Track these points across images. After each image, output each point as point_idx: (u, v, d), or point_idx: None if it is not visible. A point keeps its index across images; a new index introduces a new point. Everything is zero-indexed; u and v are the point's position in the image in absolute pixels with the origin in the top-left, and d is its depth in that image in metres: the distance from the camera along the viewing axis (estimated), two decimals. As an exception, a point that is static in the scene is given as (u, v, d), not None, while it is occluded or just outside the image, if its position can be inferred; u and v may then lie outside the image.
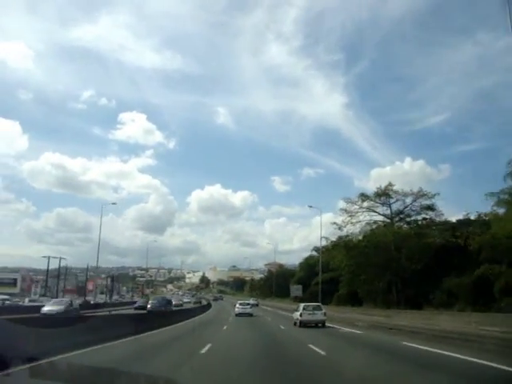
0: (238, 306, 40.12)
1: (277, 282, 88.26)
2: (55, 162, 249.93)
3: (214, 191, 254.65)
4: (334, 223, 47.25)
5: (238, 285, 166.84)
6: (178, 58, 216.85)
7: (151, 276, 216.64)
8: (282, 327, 25.00)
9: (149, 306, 39.40)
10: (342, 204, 47.85)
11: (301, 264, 74.88)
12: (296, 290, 63.41)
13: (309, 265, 70.95)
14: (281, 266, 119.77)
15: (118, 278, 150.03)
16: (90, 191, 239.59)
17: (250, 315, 37.71)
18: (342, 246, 46.59)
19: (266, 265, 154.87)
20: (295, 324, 25.76)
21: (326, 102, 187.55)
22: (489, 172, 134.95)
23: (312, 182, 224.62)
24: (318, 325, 25.01)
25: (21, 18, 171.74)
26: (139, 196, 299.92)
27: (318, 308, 26.08)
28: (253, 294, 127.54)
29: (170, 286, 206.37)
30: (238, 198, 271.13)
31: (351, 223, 45.95)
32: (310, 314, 25.16)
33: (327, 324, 25.88)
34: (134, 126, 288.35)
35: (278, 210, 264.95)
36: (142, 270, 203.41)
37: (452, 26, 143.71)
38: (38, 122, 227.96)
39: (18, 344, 9.04)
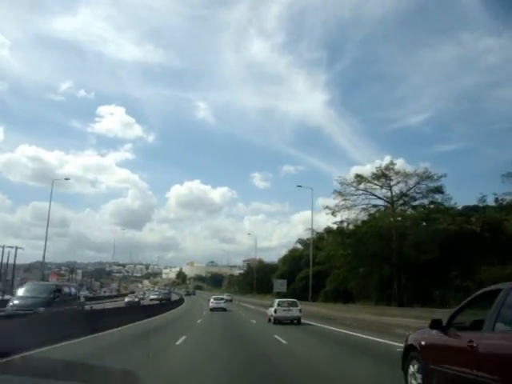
0: (212, 300, 40.53)
1: (258, 277, 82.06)
2: (31, 154, 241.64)
3: (193, 187, 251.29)
4: (327, 207, 41.13)
5: (215, 280, 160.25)
6: (159, 52, 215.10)
7: (128, 272, 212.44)
8: (254, 321, 25.58)
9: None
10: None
11: (284, 257, 68.56)
12: (280, 285, 57.19)
13: (293, 258, 64.82)
14: (260, 261, 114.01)
15: (92, 273, 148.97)
16: (67, 185, 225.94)
17: (224, 309, 37.92)
18: (336, 233, 40.33)
19: (244, 261, 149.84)
20: (269, 320, 24.96)
21: (307, 99, 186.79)
22: (469, 171, 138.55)
23: (292, 179, 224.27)
24: (294, 321, 24.18)
25: None
26: (118, 191, 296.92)
27: (293, 304, 24.94)
28: (231, 290, 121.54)
29: (145, 282, 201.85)
30: (218, 193, 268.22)
31: (346, 208, 39.86)
32: (285, 310, 24.19)
33: (306, 321, 24.97)
34: (112, 119, 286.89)
35: (258, 207, 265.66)
36: (119, 265, 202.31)
37: (434, 26, 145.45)
38: (13, 114, 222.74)
39: None
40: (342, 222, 40.17)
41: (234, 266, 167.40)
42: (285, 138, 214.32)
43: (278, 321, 23.55)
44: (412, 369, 5.80)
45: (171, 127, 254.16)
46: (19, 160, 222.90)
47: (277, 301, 25.20)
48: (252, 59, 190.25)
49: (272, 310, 24.62)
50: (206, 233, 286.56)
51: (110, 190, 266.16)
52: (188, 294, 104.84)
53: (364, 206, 40.69)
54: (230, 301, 62.10)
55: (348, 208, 39.70)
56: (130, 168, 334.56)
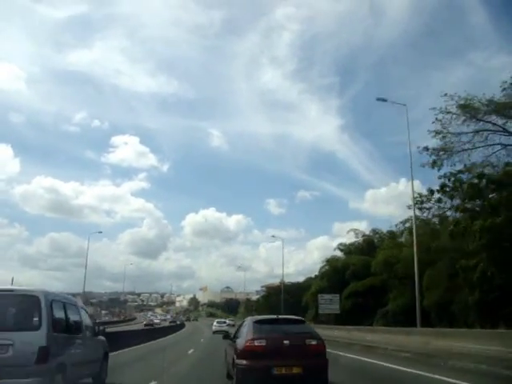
0: (215, 324, 41.89)
1: (284, 299, 66.53)
2: (47, 185, 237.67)
3: (208, 215, 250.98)
4: (428, 148, 25.29)
5: (231, 306, 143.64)
6: (172, 82, 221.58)
7: (143, 301, 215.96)
8: None
9: None
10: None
11: (321, 269, 52.65)
12: (329, 302, 41.23)
13: (334, 269, 49.22)
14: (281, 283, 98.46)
15: (102, 303, 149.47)
16: (82, 215, 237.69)
17: (226, 332, 26.39)
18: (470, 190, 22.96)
19: (262, 286, 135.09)
20: None
21: (320, 124, 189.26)
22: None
23: (307, 205, 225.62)
24: None
25: (15, 41, 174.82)
26: (133, 220, 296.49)
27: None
28: (248, 316, 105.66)
29: (158, 310, 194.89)
30: (233, 221, 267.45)
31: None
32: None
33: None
34: (127, 148, 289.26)
35: (273, 234, 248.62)
36: (133, 294, 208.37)
37: (444, 48, 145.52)
38: (29, 145, 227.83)
39: None
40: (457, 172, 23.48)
41: (251, 292, 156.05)
42: (299, 164, 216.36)
43: None
44: None
45: (185, 156, 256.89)
46: (35, 191, 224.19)
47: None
48: (264, 87, 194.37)
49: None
50: (222, 261, 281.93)
51: (125, 220, 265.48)
52: (188, 320, 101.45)
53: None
54: (233, 326, 51.56)
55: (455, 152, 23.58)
56: (145, 197, 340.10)
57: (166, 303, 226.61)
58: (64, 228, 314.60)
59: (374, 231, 51.06)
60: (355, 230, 51.49)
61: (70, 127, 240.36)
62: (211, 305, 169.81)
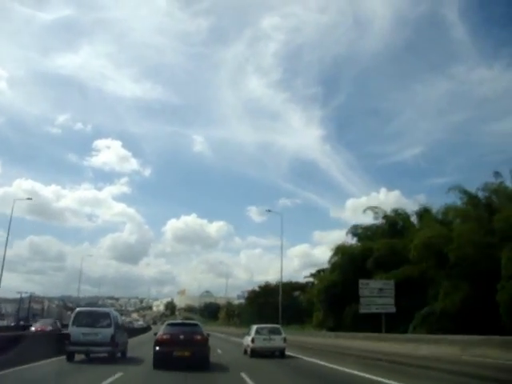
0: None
1: (273, 303, 54.82)
2: (28, 188, 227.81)
3: (189, 221, 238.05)
4: None
5: (210, 311, 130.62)
6: (157, 88, 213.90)
7: (121, 305, 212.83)
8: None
9: None
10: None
11: (331, 260, 40.47)
12: (378, 294, 29.16)
13: (350, 258, 37.49)
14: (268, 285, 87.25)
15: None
16: (63, 219, 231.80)
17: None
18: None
19: (243, 291, 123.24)
20: (245, 352, 21.59)
21: (303, 134, 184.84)
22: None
23: (288, 213, 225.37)
24: (276, 353, 20.70)
25: None
26: (114, 225, 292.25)
27: (276, 331, 21.09)
28: (230, 322, 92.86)
29: (134, 315, 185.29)
30: (214, 228, 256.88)
31: None
32: (265, 339, 20.43)
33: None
34: (109, 152, 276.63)
35: (254, 241, 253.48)
36: (112, 299, 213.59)
37: (426, 62, 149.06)
38: (10, 148, 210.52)
39: None
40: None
41: (232, 298, 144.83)
42: (281, 173, 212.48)
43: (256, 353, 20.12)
44: None
45: (168, 162, 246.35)
46: (16, 194, 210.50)
47: (255, 327, 21.36)
48: (249, 95, 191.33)
49: (249, 338, 20.97)
50: (203, 267, 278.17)
51: (107, 224, 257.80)
52: (154, 323, 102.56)
53: None
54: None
55: None
56: (127, 202, 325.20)
57: (144, 308, 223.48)
58: (44, 231, 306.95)
59: (396, 212, 40.01)
60: (374, 209, 40.05)
61: (53, 129, 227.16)
62: (189, 309, 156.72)
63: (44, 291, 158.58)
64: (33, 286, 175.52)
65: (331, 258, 40.07)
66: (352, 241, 41.03)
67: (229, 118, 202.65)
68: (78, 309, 19.51)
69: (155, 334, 15.62)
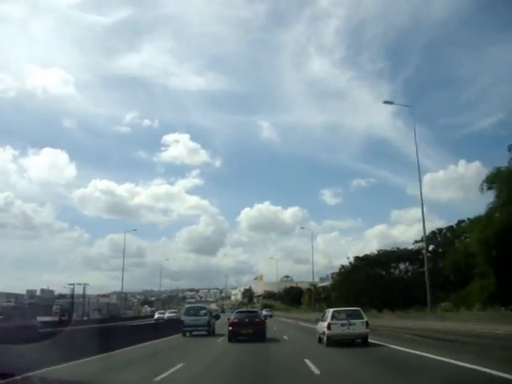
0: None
1: (375, 278, 39.17)
2: (103, 188, 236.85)
3: (263, 209, 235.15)
4: None
5: (292, 297, 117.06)
6: (220, 79, 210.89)
7: (201, 297, 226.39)
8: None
9: None
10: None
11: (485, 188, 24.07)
12: None
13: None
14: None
15: (158, 301, 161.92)
16: (139, 215, 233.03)
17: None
18: None
19: (326, 274, 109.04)
20: (320, 341, 19.72)
21: (373, 111, 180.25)
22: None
23: (363, 194, 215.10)
24: (356, 341, 18.37)
25: (64, 50, 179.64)
26: (189, 218, 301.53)
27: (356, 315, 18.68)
28: (316, 307, 77.66)
29: (212, 305, 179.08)
30: (289, 214, 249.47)
31: None
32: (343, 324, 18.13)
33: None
34: (178, 146, 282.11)
35: (330, 224, 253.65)
36: (192, 291, 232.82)
37: (499, 22, 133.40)
38: (83, 149, 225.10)
39: None
40: None
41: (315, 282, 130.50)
42: (352, 153, 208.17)
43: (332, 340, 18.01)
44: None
45: (237, 150, 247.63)
46: (92, 194, 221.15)
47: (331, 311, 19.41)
48: (313, 77, 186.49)
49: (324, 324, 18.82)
50: (280, 254, 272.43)
51: (182, 218, 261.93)
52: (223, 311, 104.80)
53: None
54: (271, 316, 62.24)
55: None
56: (200, 194, 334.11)
57: (223, 298, 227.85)
58: (122, 229, 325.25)
59: None
60: None
61: (121, 128, 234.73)
62: (268, 295, 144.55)
63: (126, 287, 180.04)
64: (117, 282, 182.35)
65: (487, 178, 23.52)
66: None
67: (294, 101, 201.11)
68: (187, 305, 39.46)
69: (228, 319, 22.91)
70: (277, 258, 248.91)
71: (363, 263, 57.49)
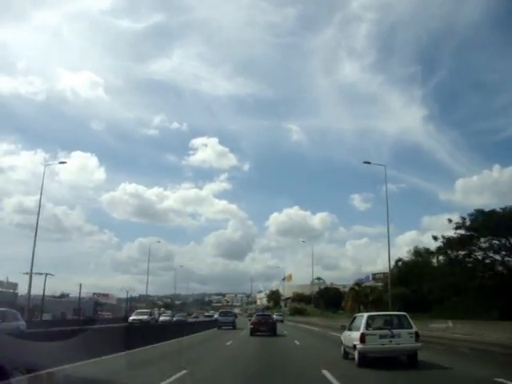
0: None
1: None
2: (132, 191, 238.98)
3: (292, 213, 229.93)
4: None
5: (327, 300, 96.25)
6: (249, 83, 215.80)
7: (227, 301, 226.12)
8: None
9: None
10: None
11: None
12: None
13: None
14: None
15: (184, 305, 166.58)
16: (168, 219, 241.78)
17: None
18: None
19: (366, 276, 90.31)
20: (346, 356, 15.37)
21: (404, 116, 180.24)
22: None
23: (394, 199, 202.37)
24: (401, 358, 14.32)
25: (96, 55, 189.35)
26: (217, 222, 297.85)
27: (400, 322, 14.49)
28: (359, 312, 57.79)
29: (236, 310, 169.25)
30: (317, 219, 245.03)
31: None
32: (383, 336, 13.65)
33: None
34: (206, 150, 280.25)
35: (360, 231, 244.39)
36: (219, 295, 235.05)
37: None
38: (112, 153, 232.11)
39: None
40: None
41: (347, 285, 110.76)
42: (383, 158, 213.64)
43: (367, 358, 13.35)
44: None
45: (266, 155, 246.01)
46: (121, 198, 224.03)
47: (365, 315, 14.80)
48: (343, 81, 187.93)
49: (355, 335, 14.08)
50: (308, 260, 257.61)
51: (210, 222, 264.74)
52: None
53: None
54: (281, 321, 65.36)
55: None
56: (228, 198, 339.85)
57: (249, 303, 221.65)
58: (151, 233, 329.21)
59: None
60: None
61: (150, 130, 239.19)
62: (298, 298, 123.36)
63: (154, 290, 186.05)
64: (144, 286, 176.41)
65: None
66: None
67: (324, 106, 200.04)
68: (220, 310, 56.01)
69: (249, 320, 38.11)
70: (306, 263, 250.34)
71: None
